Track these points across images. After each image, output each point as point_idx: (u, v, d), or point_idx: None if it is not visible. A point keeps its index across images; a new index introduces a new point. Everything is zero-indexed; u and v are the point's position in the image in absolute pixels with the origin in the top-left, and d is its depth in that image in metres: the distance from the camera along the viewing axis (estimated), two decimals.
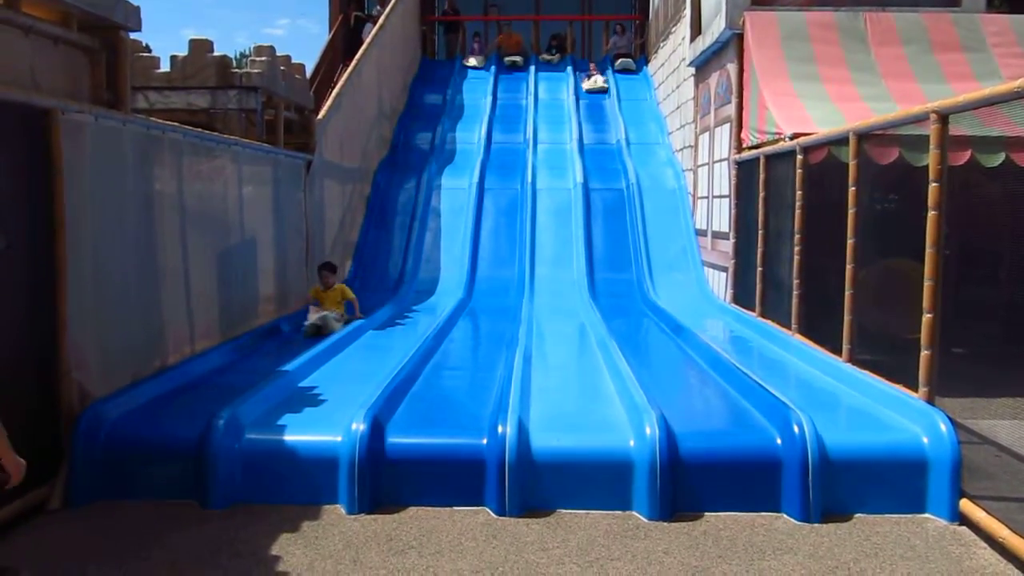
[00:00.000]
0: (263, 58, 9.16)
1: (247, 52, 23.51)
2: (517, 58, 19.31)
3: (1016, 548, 4.11)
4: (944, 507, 4.78)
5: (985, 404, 6.47)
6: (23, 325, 4.80)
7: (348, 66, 13.65)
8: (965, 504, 4.70)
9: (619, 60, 18.80)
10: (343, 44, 16.40)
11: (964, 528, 4.66)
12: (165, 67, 8.81)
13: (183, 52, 8.81)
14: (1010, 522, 4.29)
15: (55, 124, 4.96)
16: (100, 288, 5.45)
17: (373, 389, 5.74)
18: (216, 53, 8.88)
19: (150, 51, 9.07)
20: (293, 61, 10.55)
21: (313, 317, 8.56)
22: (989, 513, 4.49)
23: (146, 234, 6.18)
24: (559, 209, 13.37)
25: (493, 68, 18.63)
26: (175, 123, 6.94)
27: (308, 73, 11.84)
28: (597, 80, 17.42)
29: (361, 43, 14.92)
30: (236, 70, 8.99)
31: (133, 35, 6.42)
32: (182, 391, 6.04)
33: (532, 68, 18.70)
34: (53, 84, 5.36)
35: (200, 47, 8.81)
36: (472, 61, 19.25)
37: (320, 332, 8.38)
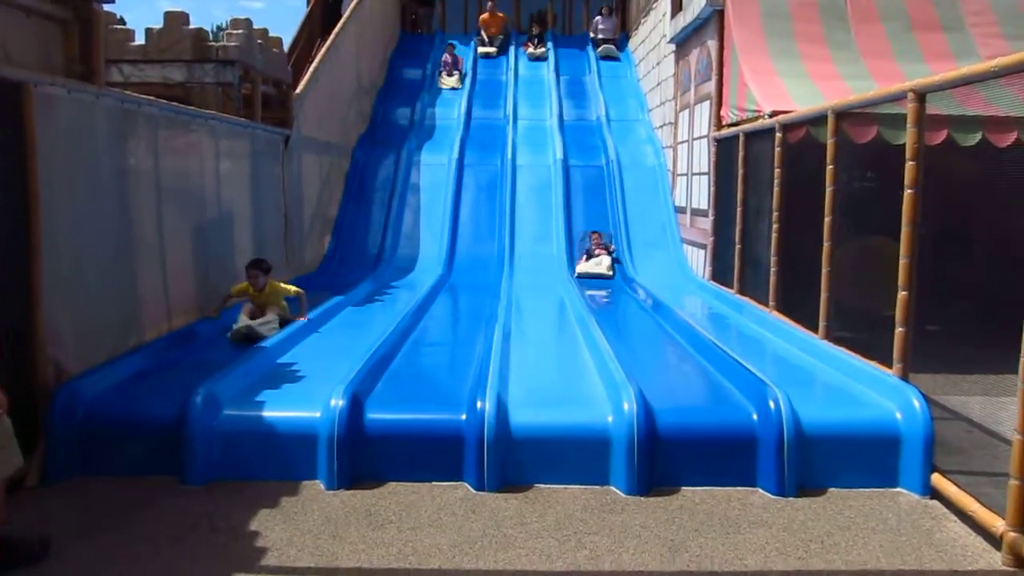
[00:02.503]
0: (240, 31, 9.06)
1: (224, 25, 23.24)
2: (491, 49, 18.27)
3: (985, 522, 4.18)
4: (916, 481, 4.85)
5: (958, 381, 6.56)
6: None
7: (326, 40, 13.52)
8: (937, 479, 4.77)
9: (602, 47, 18.11)
10: (322, 17, 16.20)
11: (935, 502, 4.74)
12: (140, 40, 8.70)
13: (158, 25, 8.70)
14: (980, 496, 4.36)
15: (27, 98, 4.88)
16: (75, 264, 5.40)
17: (352, 365, 5.73)
18: (192, 26, 8.77)
19: (124, 24, 8.96)
20: (271, 35, 10.44)
21: (240, 323, 7.13)
22: (960, 487, 4.56)
23: (121, 210, 6.12)
24: (539, 186, 13.36)
25: (473, 43, 18.47)
26: (150, 97, 6.85)
27: (286, 47, 11.72)
28: (603, 262, 11.32)
29: (340, 16, 14.76)
30: (212, 43, 8.89)
31: (107, 7, 6.32)
32: (159, 368, 6.01)
33: (512, 46, 18.49)
34: (25, 57, 5.27)
35: (175, 20, 8.70)
36: (448, 81, 16.85)
37: (249, 340, 6.89)
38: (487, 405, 4.95)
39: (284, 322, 7.45)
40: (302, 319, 7.57)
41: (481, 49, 18.33)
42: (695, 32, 11.26)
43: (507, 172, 13.54)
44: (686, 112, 11.97)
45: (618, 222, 12.68)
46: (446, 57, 17.26)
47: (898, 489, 4.92)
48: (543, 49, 18.31)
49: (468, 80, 16.93)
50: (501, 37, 18.77)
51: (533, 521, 4.45)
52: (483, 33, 18.68)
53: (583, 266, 11.34)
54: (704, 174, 10.79)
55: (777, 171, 7.86)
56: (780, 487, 4.82)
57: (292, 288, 7.77)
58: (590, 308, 8.51)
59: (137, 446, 5.02)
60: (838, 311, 6.73)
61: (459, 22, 20.93)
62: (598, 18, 18.71)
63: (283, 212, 10.28)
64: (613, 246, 11.92)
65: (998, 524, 4.06)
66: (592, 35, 18.66)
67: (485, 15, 19.01)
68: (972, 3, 9.69)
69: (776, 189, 7.88)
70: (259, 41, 9.61)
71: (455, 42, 17.78)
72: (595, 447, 4.94)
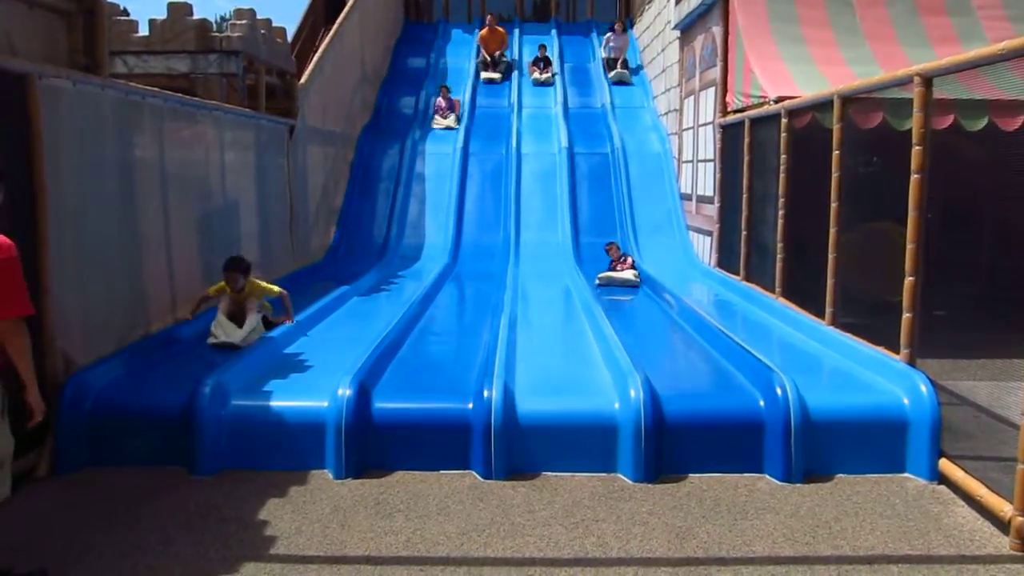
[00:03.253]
0: (243, 21, 9.05)
1: (227, 16, 23.18)
2: (495, 75, 16.56)
3: (993, 506, 4.19)
4: (923, 467, 4.85)
5: (965, 365, 6.55)
6: None
7: (330, 29, 13.50)
8: (944, 464, 4.77)
9: (614, 72, 16.36)
10: (325, 7, 16.18)
11: (943, 487, 4.74)
12: (144, 31, 8.69)
13: (162, 16, 8.69)
14: (987, 481, 4.36)
15: (32, 90, 4.89)
16: (82, 256, 5.42)
17: (359, 355, 5.74)
18: (196, 17, 8.76)
19: (128, 15, 8.95)
20: (274, 25, 10.43)
21: (218, 335, 6.46)
22: (967, 472, 4.56)
23: (127, 201, 6.13)
24: (544, 174, 13.34)
25: (477, 30, 18.33)
26: (155, 88, 6.85)
27: (290, 37, 11.71)
28: (627, 275, 10.04)
29: (343, 5, 14.73)
30: (216, 34, 8.88)
31: None
32: (167, 358, 6.02)
33: (516, 30, 18.36)
34: (29, 49, 5.27)
35: (179, 11, 8.69)
36: (443, 121, 14.76)
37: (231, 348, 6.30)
38: (494, 393, 4.95)
39: (268, 322, 6.83)
40: (288, 322, 6.93)
41: (484, 75, 16.66)
42: (700, 18, 11.21)
43: (512, 160, 13.52)
44: (691, 99, 11.92)
45: (623, 209, 12.66)
46: (439, 101, 15.08)
47: (905, 474, 4.92)
48: (549, 74, 16.57)
49: (466, 114, 15.18)
50: (505, 61, 17.06)
51: (541, 509, 4.46)
52: (483, 52, 16.98)
53: (606, 273, 10.11)
54: (710, 161, 10.76)
55: (783, 157, 7.83)
56: (787, 473, 4.83)
57: (275, 288, 7.01)
58: (596, 296, 8.50)
59: (146, 437, 5.04)
60: (844, 297, 6.71)
61: (463, 11, 20.80)
62: (609, 34, 16.91)
63: (288, 202, 10.28)
64: (631, 257, 10.65)
65: (1006, 509, 4.06)
66: (604, 56, 16.89)
67: (484, 31, 17.13)
68: None
69: (782, 175, 7.85)
70: (263, 31, 9.59)
71: (449, 84, 15.65)
72: (602, 434, 4.95)
